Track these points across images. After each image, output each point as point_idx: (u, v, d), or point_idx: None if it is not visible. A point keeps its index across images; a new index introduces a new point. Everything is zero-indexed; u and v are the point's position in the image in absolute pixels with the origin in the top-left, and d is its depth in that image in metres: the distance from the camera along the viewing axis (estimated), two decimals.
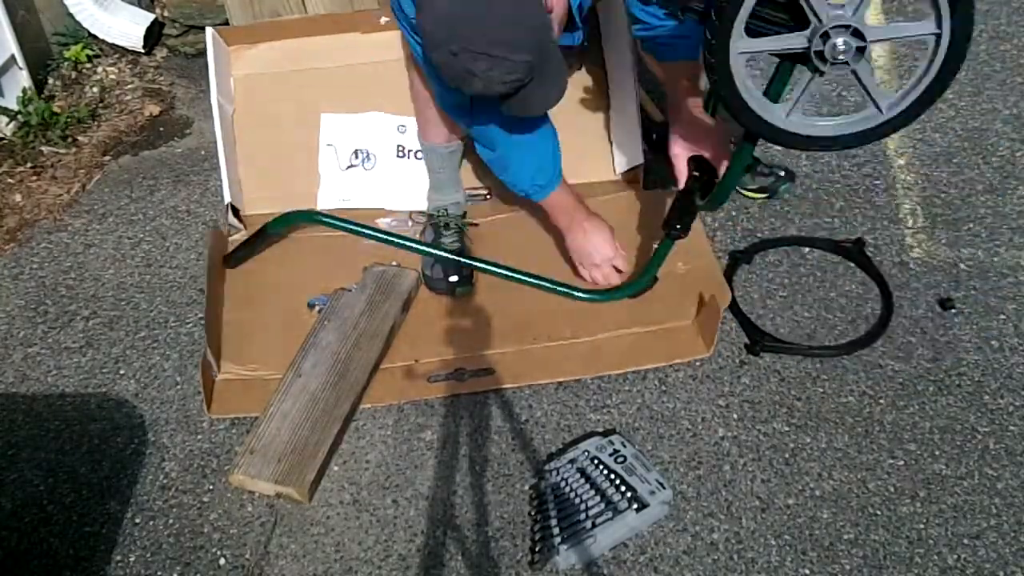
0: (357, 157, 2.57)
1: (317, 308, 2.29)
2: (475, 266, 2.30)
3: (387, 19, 2.52)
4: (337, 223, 2.35)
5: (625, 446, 1.94)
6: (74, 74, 3.14)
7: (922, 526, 1.85)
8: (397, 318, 2.24)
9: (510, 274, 2.28)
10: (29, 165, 2.84)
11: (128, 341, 2.32)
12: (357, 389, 2.08)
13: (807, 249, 2.40)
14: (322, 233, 2.50)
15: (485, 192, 2.56)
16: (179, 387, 2.21)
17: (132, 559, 1.89)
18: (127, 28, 3.12)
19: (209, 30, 2.47)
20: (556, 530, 1.81)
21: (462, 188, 2.48)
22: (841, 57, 1.50)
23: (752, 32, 1.49)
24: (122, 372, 2.25)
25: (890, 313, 2.21)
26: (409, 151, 2.57)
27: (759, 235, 2.43)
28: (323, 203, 2.54)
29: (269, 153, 2.57)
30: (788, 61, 1.59)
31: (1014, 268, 2.32)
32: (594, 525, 1.80)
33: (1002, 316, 2.22)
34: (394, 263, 2.40)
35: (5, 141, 2.89)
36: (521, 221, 2.49)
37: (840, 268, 2.35)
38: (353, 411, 2.08)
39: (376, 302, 2.26)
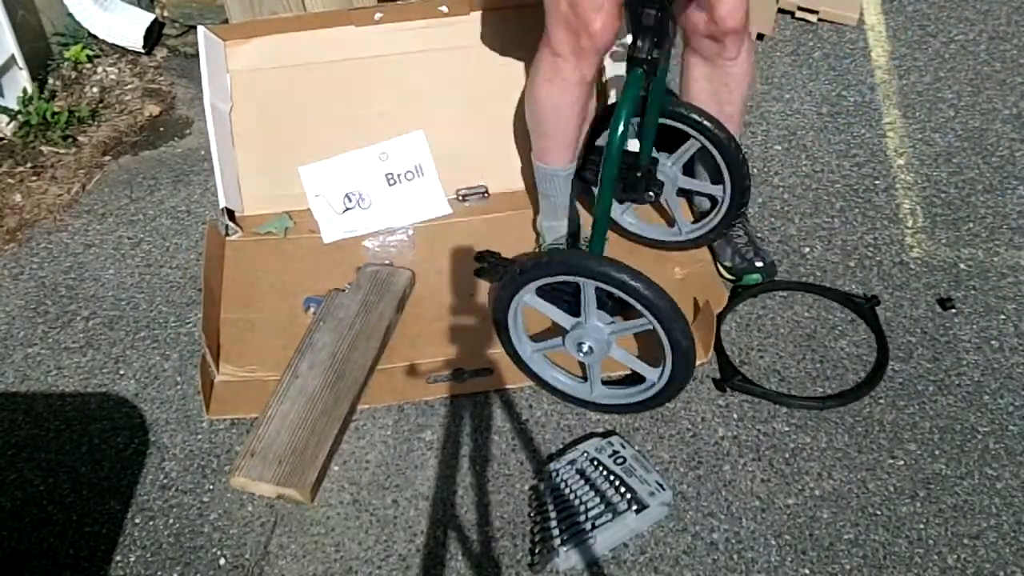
0: (351, 200, 2.55)
1: (312, 309, 2.29)
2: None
3: (381, 15, 2.52)
4: None
5: (624, 447, 1.94)
6: (74, 74, 3.14)
7: (922, 526, 1.85)
8: (392, 318, 2.24)
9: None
10: (29, 165, 2.84)
11: (128, 341, 2.32)
12: (355, 389, 2.08)
13: (807, 249, 2.40)
14: (319, 233, 2.50)
15: (483, 190, 2.56)
16: (179, 387, 2.21)
17: (132, 559, 1.90)
18: (127, 28, 3.11)
19: (201, 28, 2.46)
20: (556, 531, 1.81)
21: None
22: (584, 352, 1.92)
23: (540, 292, 1.91)
24: (122, 372, 2.25)
25: (881, 375, 2.09)
26: (399, 175, 2.56)
27: (758, 236, 2.43)
28: (328, 237, 2.51)
29: (268, 150, 2.56)
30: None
31: (1014, 268, 2.32)
32: (594, 526, 1.80)
33: (1002, 316, 2.22)
34: (387, 262, 2.40)
35: (5, 141, 2.89)
36: (520, 219, 2.49)
37: (839, 268, 2.35)
38: (352, 411, 2.08)
39: (371, 302, 2.26)
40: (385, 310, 2.24)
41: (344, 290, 2.30)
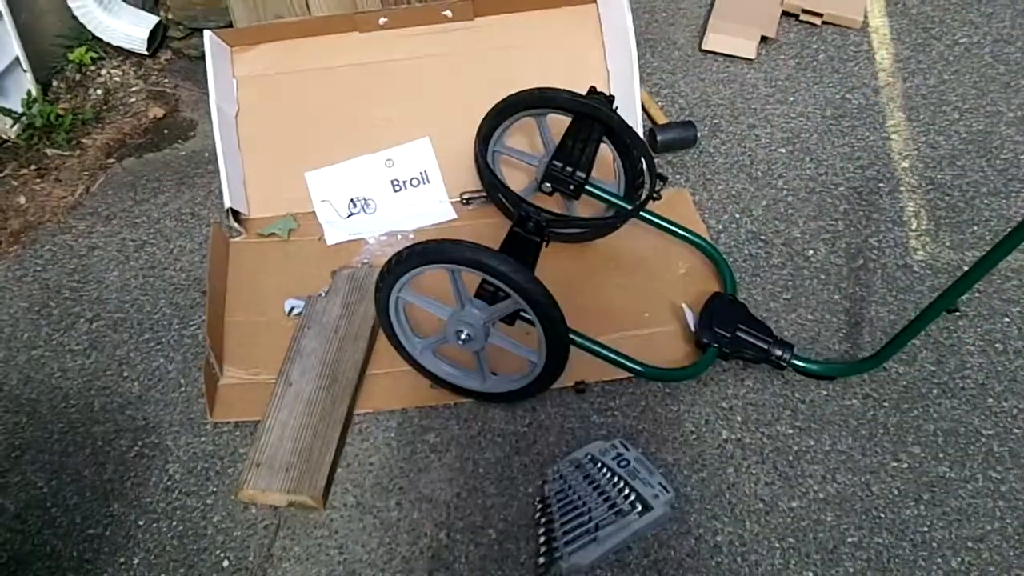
0: (356, 206, 2.56)
1: (295, 311, 2.30)
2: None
3: (386, 20, 2.52)
4: None
5: (628, 449, 1.93)
6: (78, 76, 3.14)
7: (926, 529, 1.84)
8: (375, 318, 2.25)
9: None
10: (33, 167, 2.84)
11: (132, 343, 2.32)
12: (350, 391, 2.09)
13: (811, 252, 2.40)
14: (323, 236, 2.50)
15: (484, 194, 2.56)
16: (183, 389, 2.21)
17: (136, 561, 1.90)
18: (131, 31, 3.12)
19: (207, 33, 2.47)
20: (560, 533, 1.81)
21: None
22: (463, 339, 1.93)
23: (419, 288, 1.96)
24: (126, 374, 2.25)
25: None
26: (404, 182, 2.57)
27: (762, 239, 2.43)
28: (332, 239, 2.51)
29: (274, 154, 2.57)
30: None
31: (1018, 271, 2.31)
32: (598, 528, 1.80)
33: (1006, 319, 2.21)
34: (365, 262, 2.41)
35: (9, 143, 2.90)
36: None
37: (844, 271, 2.35)
38: (351, 413, 2.08)
39: (352, 304, 2.27)
40: (368, 310, 2.24)
41: (321, 295, 2.30)
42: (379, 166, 2.56)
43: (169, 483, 2.02)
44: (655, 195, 2.10)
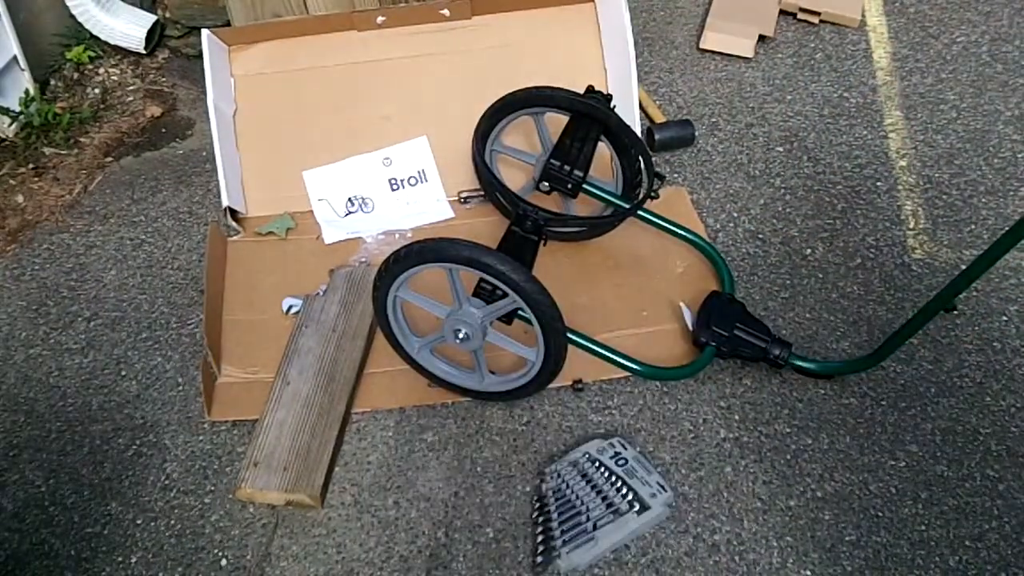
0: (353, 204, 2.56)
1: (293, 310, 2.30)
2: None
3: (384, 18, 2.52)
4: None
5: (626, 448, 1.94)
6: (76, 75, 3.14)
7: (923, 527, 1.84)
8: (373, 317, 2.25)
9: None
10: (31, 166, 2.84)
11: (130, 342, 2.32)
12: (348, 389, 2.09)
13: (809, 251, 2.40)
14: (320, 234, 2.50)
15: (482, 193, 2.56)
16: (180, 388, 2.21)
17: (133, 560, 1.90)
18: (128, 30, 3.11)
19: (205, 32, 2.47)
20: (558, 532, 1.81)
21: None
22: (461, 338, 1.93)
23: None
24: (123, 373, 2.25)
25: None
26: (402, 180, 2.57)
27: (760, 237, 2.43)
28: (329, 238, 2.51)
29: (271, 153, 2.57)
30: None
31: (1016, 270, 2.31)
32: (595, 527, 1.80)
33: (1004, 318, 2.21)
34: (363, 260, 2.41)
35: (7, 142, 2.89)
36: None
37: (841, 269, 2.35)
38: (348, 411, 2.08)
39: (350, 303, 2.27)
40: (366, 309, 2.24)
41: (319, 294, 2.30)
42: (377, 165, 2.56)
43: (167, 482, 2.02)
44: (653, 194, 2.10)
